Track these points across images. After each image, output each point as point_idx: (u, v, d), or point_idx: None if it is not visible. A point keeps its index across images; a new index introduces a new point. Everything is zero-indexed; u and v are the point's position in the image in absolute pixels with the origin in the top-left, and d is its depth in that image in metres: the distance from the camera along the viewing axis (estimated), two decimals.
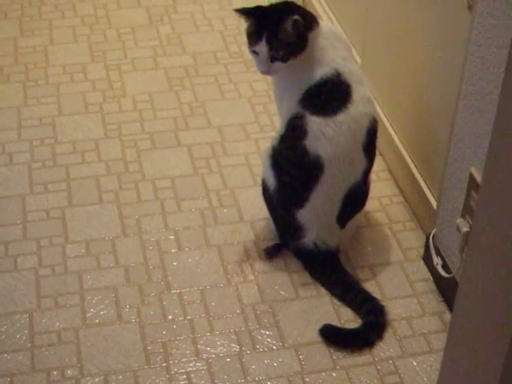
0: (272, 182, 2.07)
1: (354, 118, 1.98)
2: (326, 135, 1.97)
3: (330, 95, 1.97)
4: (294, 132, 2.00)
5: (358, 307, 2.03)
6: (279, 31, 1.93)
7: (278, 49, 1.94)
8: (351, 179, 2.04)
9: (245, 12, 1.98)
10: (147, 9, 3.15)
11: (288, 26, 1.93)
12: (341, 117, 1.97)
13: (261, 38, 1.95)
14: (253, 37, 1.97)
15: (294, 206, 2.07)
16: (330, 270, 2.11)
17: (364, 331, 1.99)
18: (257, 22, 1.96)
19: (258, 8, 1.99)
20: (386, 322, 2.01)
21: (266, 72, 2.00)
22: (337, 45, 2.02)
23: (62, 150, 2.50)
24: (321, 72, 1.98)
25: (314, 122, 1.97)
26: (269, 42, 1.94)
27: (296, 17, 1.92)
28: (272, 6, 2.02)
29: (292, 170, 2.03)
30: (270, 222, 2.19)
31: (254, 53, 1.98)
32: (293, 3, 2.03)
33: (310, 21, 1.98)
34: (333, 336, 1.98)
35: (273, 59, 1.96)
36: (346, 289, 2.07)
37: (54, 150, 2.49)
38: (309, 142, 1.98)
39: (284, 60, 1.95)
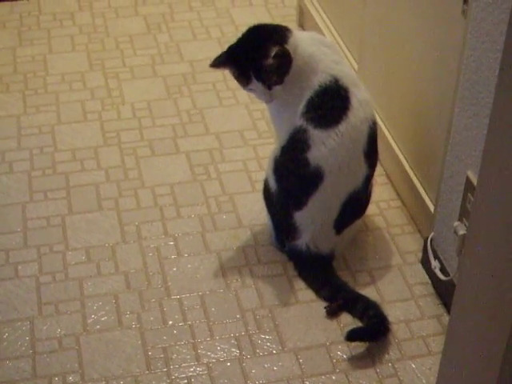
0: (273, 184, 2.09)
1: (355, 126, 1.99)
2: (328, 146, 1.98)
3: (330, 104, 1.98)
4: (296, 145, 2.00)
5: (352, 306, 2.03)
6: (264, 66, 1.93)
7: (269, 78, 1.95)
8: (351, 186, 2.05)
9: (221, 63, 1.99)
10: (145, 17, 3.17)
11: (270, 60, 1.92)
12: (342, 126, 1.97)
13: (250, 79, 1.97)
14: (242, 80, 1.99)
15: (292, 208, 2.08)
16: (319, 273, 2.12)
17: (377, 322, 1.99)
18: (238, 67, 1.98)
19: (231, 51, 1.99)
20: (383, 313, 2.01)
21: (270, 100, 2.01)
22: (325, 50, 2.01)
23: (61, 158, 2.51)
24: (318, 79, 1.98)
25: (317, 136, 1.98)
26: (259, 78, 1.96)
27: (276, 48, 1.91)
28: (243, 40, 2.00)
29: (292, 179, 2.04)
30: (269, 224, 2.20)
31: (251, 90, 2.01)
32: (258, 27, 2.02)
33: (281, 35, 1.97)
34: (360, 336, 1.98)
35: (270, 87, 1.97)
36: (335, 290, 2.07)
37: (53, 158, 2.51)
38: (311, 154, 1.99)
39: (280, 82, 1.96)
